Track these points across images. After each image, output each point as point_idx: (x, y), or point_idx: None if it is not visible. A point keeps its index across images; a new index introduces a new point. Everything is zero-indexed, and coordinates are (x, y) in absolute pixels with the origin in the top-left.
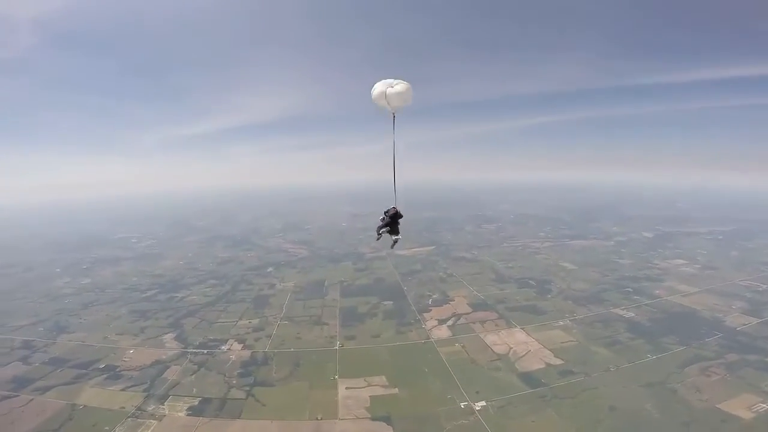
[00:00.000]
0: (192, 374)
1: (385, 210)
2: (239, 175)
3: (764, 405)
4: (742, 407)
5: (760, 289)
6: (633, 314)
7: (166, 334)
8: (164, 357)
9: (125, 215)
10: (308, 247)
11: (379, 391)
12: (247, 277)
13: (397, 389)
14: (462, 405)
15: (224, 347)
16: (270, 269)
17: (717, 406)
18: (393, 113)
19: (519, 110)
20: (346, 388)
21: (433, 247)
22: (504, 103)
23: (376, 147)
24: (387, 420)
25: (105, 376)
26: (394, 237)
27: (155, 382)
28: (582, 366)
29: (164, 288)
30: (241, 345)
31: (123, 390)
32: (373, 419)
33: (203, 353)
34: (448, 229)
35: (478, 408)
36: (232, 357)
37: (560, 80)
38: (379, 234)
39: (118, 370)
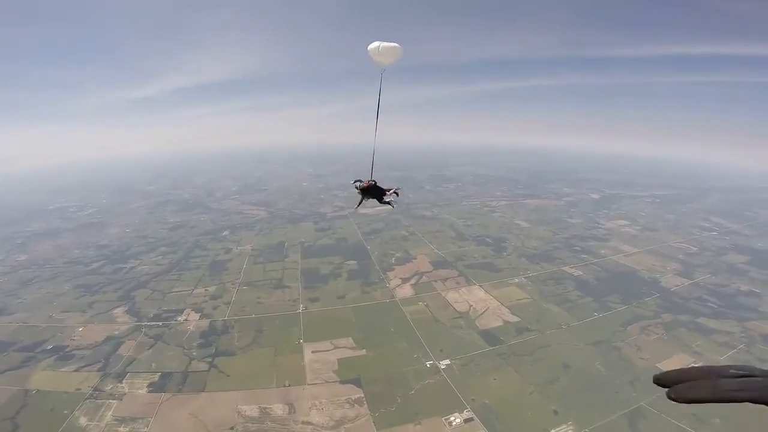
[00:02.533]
0: (149, 348)
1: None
2: (192, 139)
3: (695, 365)
4: (677, 367)
5: (691, 251)
6: (581, 272)
7: (117, 308)
8: (117, 332)
9: (62, 184)
10: (266, 209)
11: (347, 353)
12: (201, 243)
13: (364, 350)
14: (428, 364)
15: (181, 318)
16: (226, 233)
17: (656, 365)
18: (382, 71)
19: (483, 75)
20: (313, 351)
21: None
22: (468, 67)
23: (338, 108)
24: (356, 382)
25: (55, 357)
26: (386, 201)
27: (110, 360)
28: (536, 323)
29: (110, 259)
30: (199, 314)
31: (76, 371)
32: (342, 382)
33: (158, 326)
34: (410, 188)
35: (443, 367)
36: (190, 327)
37: (526, 47)
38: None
39: (68, 350)
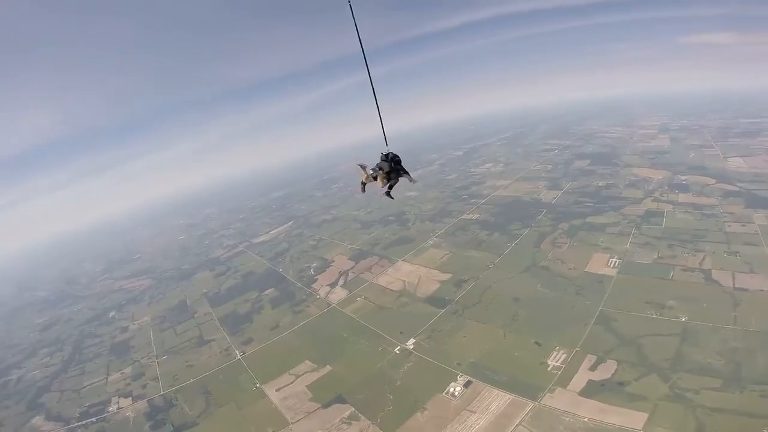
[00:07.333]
0: None
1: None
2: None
3: (614, 259)
4: (602, 266)
5: (548, 169)
6: (478, 215)
7: (32, 419)
8: None
9: None
10: (149, 275)
11: (313, 377)
12: (87, 331)
13: (328, 366)
14: (396, 351)
15: (112, 408)
16: (112, 314)
17: (585, 270)
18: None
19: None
20: (277, 390)
21: (291, 222)
22: (307, 72)
23: (181, 148)
24: (339, 400)
25: None
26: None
27: None
28: (468, 272)
29: None
30: (130, 398)
31: None
32: (325, 406)
33: (93, 422)
34: (301, 201)
35: (411, 347)
36: (129, 414)
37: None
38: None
39: None
